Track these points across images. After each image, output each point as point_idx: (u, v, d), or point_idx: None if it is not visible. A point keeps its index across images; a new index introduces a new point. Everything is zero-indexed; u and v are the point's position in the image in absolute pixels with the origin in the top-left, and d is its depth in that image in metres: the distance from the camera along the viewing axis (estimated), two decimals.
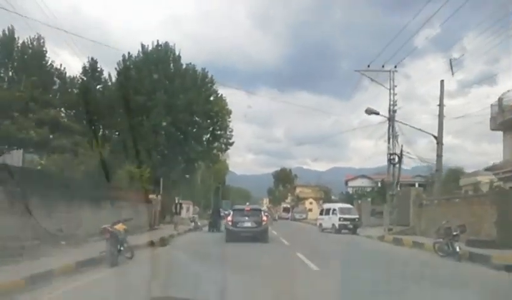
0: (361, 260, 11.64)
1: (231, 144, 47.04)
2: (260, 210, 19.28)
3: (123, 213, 16.36)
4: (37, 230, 10.07)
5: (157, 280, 7.11)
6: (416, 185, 40.94)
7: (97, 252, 9.53)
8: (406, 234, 19.75)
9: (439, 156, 21.16)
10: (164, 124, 36.28)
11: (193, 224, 28.07)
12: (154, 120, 36.03)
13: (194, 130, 40.84)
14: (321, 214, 29.36)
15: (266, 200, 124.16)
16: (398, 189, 24.56)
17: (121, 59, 38.85)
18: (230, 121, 45.55)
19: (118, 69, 38.90)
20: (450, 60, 16.63)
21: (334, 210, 26.96)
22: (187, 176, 45.43)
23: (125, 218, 11.47)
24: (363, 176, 73.17)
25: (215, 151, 46.38)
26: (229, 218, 17.70)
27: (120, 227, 10.21)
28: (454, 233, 11.72)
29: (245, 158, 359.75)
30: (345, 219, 25.61)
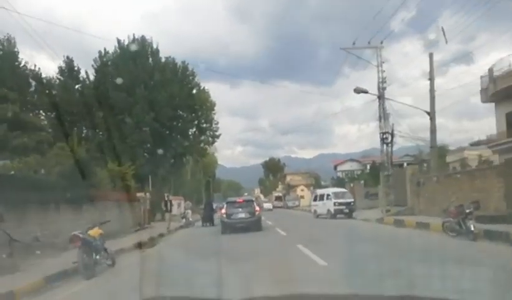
0: (368, 246, 10.60)
1: (217, 137, 46.03)
2: (253, 201, 19.97)
3: (107, 214, 15.31)
4: (5, 241, 8.91)
5: (142, 288, 6.04)
6: (405, 164, 40.59)
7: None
8: (405, 215, 19.05)
9: (433, 132, 20.44)
10: (147, 119, 34.91)
11: (184, 220, 26.77)
12: (137, 116, 34.74)
13: (179, 124, 39.67)
14: (315, 200, 28.54)
15: (257, 191, 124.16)
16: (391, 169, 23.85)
17: (97, 55, 37.46)
18: (214, 113, 44.54)
19: (95, 66, 37.46)
20: (442, 28, 15.66)
21: (328, 195, 26.15)
22: (176, 172, 44.33)
23: (101, 221, 10.25)
24: (351, 160, 73.13)
25: (202, 144, 45.33)
26: (223, 210, 18.33)
27: (94, 232, 8.97)
28: (467, 211, 10.88)
29: (234, 150, 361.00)
30: (340, 204, 24.86)
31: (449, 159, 35.85)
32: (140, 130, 35.04)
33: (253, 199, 23.14)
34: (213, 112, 44.48)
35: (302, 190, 67.83)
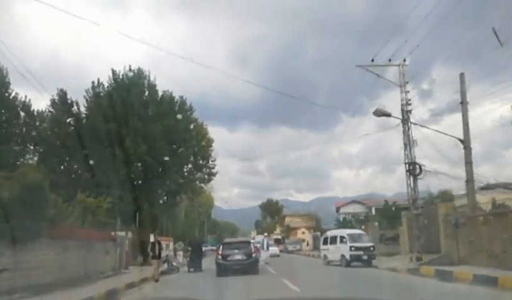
0: None
1: (214, 175, 43.08)
2: (249, 242, 19.46)
3: (69, 256, 12.16)
4: None
5: None
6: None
7: None
8: (442, 264, 15.80)
9: (468, 163, 17.41)
10: (139, 152, 32.09)
11: (166, 264, 22.63)
12: (128, 149, 31.87)
13: (174, 159, 36.78)
14: (324, 243, 24.94)
15: (254, 233, 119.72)
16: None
17: (90, 86, 35.08)
18: (212, 150, 41.84)
19: (87, 96, 34.98)
20: (493, 29, 13.18)
21: (342, 237, 22.47)
22: (168, 210, 41.01)
23: None
24: (354, 201, 69.60)
25: (197, 182, 42.20)
26: (219, 252, 17.84)
27: None
28: None
29: (231, 192, 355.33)
30: (357, 248, 21.33)
31: (457, 203, 32.68)
32: (131, 163, 32.06)
33: (250, 240, 22.20)
34: (211, 148, 41.88)
35: (303, 233, 62.73)
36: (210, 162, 41.50)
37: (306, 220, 71.44)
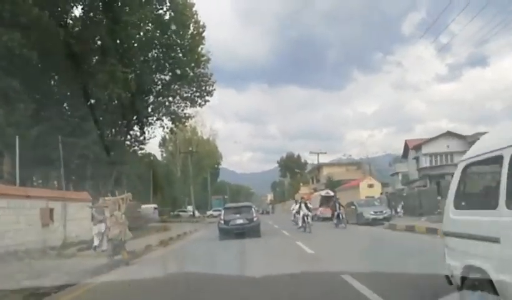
0: None
1: (210, 93, 25.85)
2: (251, 206, 19.08)
3: None
4: None
5: None
6: None
7: None
8: None
9: None
10: None
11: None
12: None
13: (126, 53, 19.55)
14: None
15: (270, 196, 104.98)
16: None
17: None
18: (204, 44, 24.35)
19: None
20: None
21: None
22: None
23: None
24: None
25: (181, 103, 24.97)
26: (221, 216, 17.93)
27: None
28: None
29: (242, 157, 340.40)
30: None
31: None
32: None
33: (251, 204, 20.42)
34: (203, 40, 24.22)
35: (371, 186, 34.12)
36: (200, 64, 24.16)
37: (354, 172, 46.83)
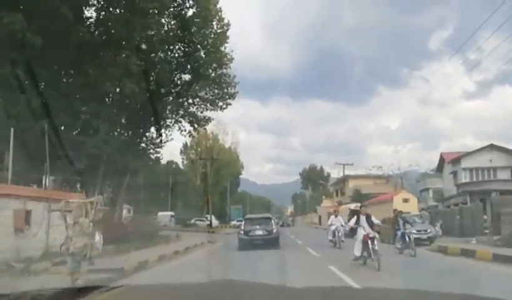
0: None
1: (233, 95, 24.15)
2: (271, 218, 19.36)
3: None
4: None
5: None
6: None
7: None
8: None
9: None
10: None
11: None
12: None
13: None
14: None
15: (290, 209, 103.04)
16: None
17: None
18: (228, 43, 22.66)
19: None
20: None
21: None
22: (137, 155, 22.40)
23: None
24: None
25: (201, 104, 23.18)
26: (241, 227, 18.12)
27: None
28: None
29: (263, 168, 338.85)
30: None
31: None
32: None
33: (271, 216, 20.85)
34: (227, 39, 22.53)
35: (406, 200, 30.49)
36: (224, 64, 22.47)
37: (383, 185, 43.16)
